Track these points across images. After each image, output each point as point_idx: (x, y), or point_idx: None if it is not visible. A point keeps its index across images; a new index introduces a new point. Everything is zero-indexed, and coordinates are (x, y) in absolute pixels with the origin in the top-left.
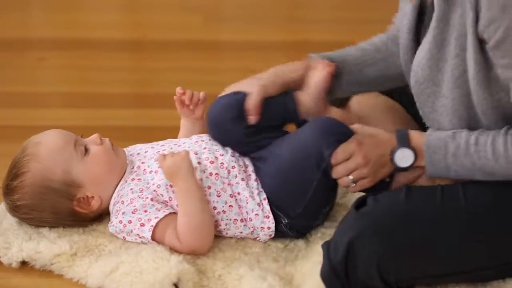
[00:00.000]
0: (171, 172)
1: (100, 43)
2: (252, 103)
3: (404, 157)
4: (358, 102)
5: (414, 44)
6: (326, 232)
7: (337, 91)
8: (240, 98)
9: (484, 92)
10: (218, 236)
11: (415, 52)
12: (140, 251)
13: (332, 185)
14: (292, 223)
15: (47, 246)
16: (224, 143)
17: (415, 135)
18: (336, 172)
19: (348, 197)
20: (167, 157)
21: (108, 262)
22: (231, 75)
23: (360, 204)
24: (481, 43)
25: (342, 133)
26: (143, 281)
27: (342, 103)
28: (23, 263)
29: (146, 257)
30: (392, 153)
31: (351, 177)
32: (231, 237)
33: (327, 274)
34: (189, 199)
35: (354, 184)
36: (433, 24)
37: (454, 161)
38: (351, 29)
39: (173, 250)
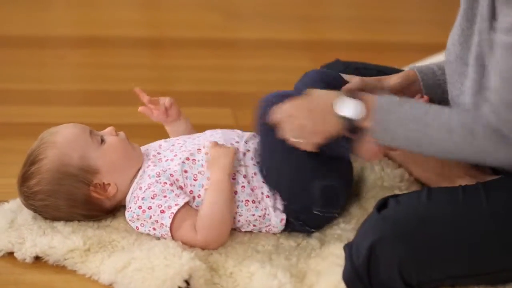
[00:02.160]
0: (213, 161)
1: (118, 41)
2: (347, 87)
3: (345, 106)
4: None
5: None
6: (342, 234)
7: None
8: (336, 77)
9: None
10: (232, 233)
11: None
12: (152, 248)
13: (321, 159)
14: (290, 206)
15: (60, 241)
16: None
17: (369, 96)
18: (281, 131)
19: (368, 201)
20: (218, 145)
21: (121, 258)
22: (250, 73)
23: (381, 206)
24: (493, 14)
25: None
26: (155, 277)
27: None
28: (37, 258)
29: (158, 253)
30: (334, 103)
31: (293, 134)
32: (244, 234)
33: (349, 277)
34: (218, 192)
35: (302, 141)
36: None
37: (406, 115)
38: (369, 27)
39: (185, 241)
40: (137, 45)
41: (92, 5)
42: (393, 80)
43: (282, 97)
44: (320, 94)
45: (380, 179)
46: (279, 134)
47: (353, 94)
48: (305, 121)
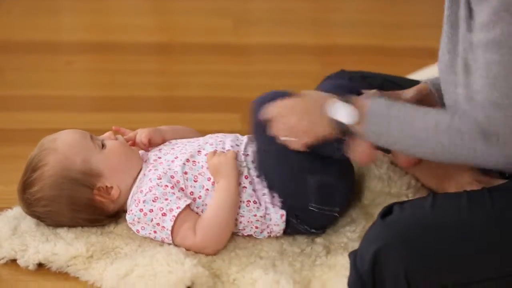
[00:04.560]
0: (216, 169)
1: (128, 46)
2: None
3: (338, 110)
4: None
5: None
6: (348, 243)
7: None
8: (350, 86)
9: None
10: (235, 239)
11: None
12: (155, 254)
13: (316, 157)
14: (286, 203)
15: (63, 248)
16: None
17: (362, 99)
18: (272, 129)
19: (375, 208)
20: (216, 154)
21: (123, 265)
22: (260, 79)
23: (386, 212)
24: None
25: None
26: (157, 284)
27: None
28: (40, 265)
29: (161, 260)
30: (328, 105)
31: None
32: (247, 240)
33: (354, 285)
34: (223, 197)
35: (293, 139)
36: (446, 4)
37: (397, 114)
38: (378, 33)
39: (184, 243)
40: (147, 50)
41: (101, 10)
42: (408, 94)
43: (275, 96)
44: (313, 96)
45: (387, 187)
46: (270, 132)
47: (346, 97)
48: (296, 121)
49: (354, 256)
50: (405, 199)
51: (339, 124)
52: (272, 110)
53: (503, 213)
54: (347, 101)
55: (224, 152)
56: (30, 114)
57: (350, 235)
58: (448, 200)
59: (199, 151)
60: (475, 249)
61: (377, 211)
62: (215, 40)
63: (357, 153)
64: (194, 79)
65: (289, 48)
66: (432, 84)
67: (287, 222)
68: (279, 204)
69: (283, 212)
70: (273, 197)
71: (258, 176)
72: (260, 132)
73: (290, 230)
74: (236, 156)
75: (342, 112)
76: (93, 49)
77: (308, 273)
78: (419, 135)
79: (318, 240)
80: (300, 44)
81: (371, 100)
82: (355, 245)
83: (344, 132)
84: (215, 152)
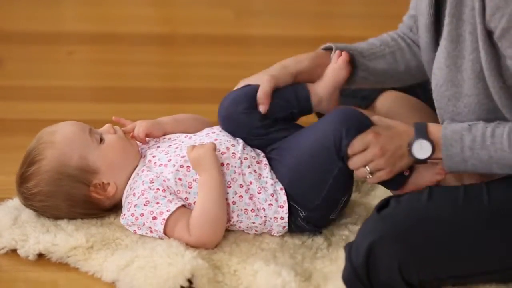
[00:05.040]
0: (196, 163)
1: (130, 37)
2: (262, 92)
3: (422, 149)
4: (384, 103)
5: (434, 44)
6: (350, 236)
7: (347, 82)
8: (250, 89)
9: (499, 82)
10: (236, 231)
11: (435, 53)
12: (155, 246)
13: (350, 174)
14: (310, 215)
15: (63, 238)
16: (236, 136)
17: (433, 128)
18: (352, 163)
19: (375, 201)
20: (195, 148)
21: (123, 256)
22: (261, 70)
23: (382, 205)
24: (489, 34)
25: (361, 123)
26: (157, 276)
27: (367, 104)
28: (40, 256)
29: (161, 252)
30: (410, 144)
31: (368, 168)
32: (248, 233)
33: (349, 277)
34: (208, 191)
35: (371, 176)
36: (446, 20)
37: (471, 154)
38: (381, 24)
39: (181, 242)
40: (148, 41)
41: (103, 1)
42: (301, 65)
43: (249, 92)
44: (396, 132)
45: None
46: (349, 163)
47: (423, 132)
48: (378, 160)
49: (349, 249)
50: None
51: (419, 160)
52: (354, 145)
53: (499, 207)
54: (423, 137)
55: (202, 144)
56: (31, 104)
57: (351, 227)
58: (444, 194)
59: None
60: (470, 243)
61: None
62: (217, 32)
63: (426, 174)
64: (195, 70)
65: (291, 39)
66: (336, 47)
67: (291, 223)
68: (284, 215)
69: (285, 225)
70: (277, 207)
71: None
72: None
73: (293, 228)
74: (215, 147)
75: (423, 150)
76: (95, 40)
77: (309, 265)
78: (497, 156)
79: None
80: (301, 35)
81: (444, 129)
82: None
83: (418, 163)
84: (193, 146)
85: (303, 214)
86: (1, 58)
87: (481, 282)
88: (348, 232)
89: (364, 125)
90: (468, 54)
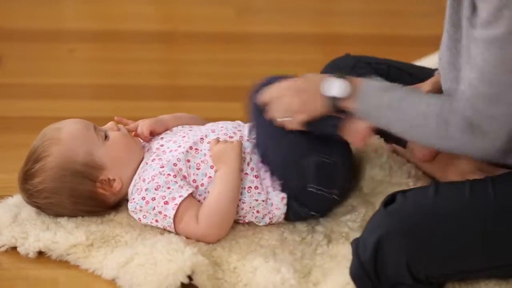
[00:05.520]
0: (219, 156)
1: (130, 35)
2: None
3: (332, 86)
4: None
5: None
6: (350, 233)
7: None
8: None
9: None
10: (235, 227)
11: None
12: (155, 243)
13: (313, 137)
14: (286, 185)
15: (63, 236)
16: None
17: (359, 79)
18: (271, 111)
19: (376, 197)
20: (220, 142)
21: (123, 253)
22: (262, 68)
23: (389, 201)
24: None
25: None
26: (157, 273)
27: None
28: (40, 253)
29: (161, 248)
30: (324, 83)
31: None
32: (248, 228)
33: (356, 273)
34: (225, 185)
35: (289, 118)
36: (448, 2)
37: (388, 101)
38: (382, 21)
39: (186, 232)
40: (149, 39)
41: None
42: (424, 88)
43: (274, 81)
44: (311, 76)
45: (388, 176)
46: (267, 113)
47: (341, 74)
48: (292, 100)
49: (356, 244)
50: (406, 188)
51: (333, 100)
52: (268, 92)
53: (505, 202)
54: (340, 77)
55: (228, 140)
56: (32, 102)
57: (351, 224)
58: (450, 189)
59: (201, 138)
60: (477, 238)
61: (378, 200)
62: (217, 29)
63: (352, 132)
64: (196, 68)
65: (292, 37)
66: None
67: (288, 206)
68: (279, 187)
69: (284, 195)
70: (273, 180)
71: (262, 161)
72: (258, 115)
73: (291, 214)
74: (241, 145)
75: (334, 86)
76: (95, 38)
77: (309, 261)
78: (408, 120)
79: (319, 228)
80: (302, 33)
81: (366, 80)
82: (356, 235)
83: (337, 109)
84: (218, 139)
85: (286, 185)
86: (2, 56)
87: (487, 277)
88: (348, 229)
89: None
90: (463, 39)
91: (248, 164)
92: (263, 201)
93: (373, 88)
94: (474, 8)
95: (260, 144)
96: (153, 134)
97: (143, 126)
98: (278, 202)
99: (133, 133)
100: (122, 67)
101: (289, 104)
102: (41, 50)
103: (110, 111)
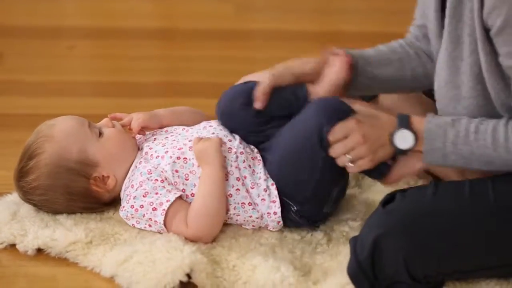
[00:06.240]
0: (200, 155)
1: (130, 31)
2: (260, 90)
3: (403, 139)
4: (387, 96)
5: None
6: (350, 233)
7: (349, 88)
8: (250, 86)
9: (499, 83)
10: (235, 226)
11: None
12: (154, 241)
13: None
14: (302, 209)
15: (62, 233)
16: (233, 131)
17: (417, 119)
18: (334, 150)
19: (375, 196)
20: (201, 140)
21: (122, 251)
22: (262, 65)
23: (388, 200)
24: (488, 33)
25: (342, 111)
26: (156, 270)
27: (371, 98)
28: (39, 251)
29: (160, 247)
30: (392, 134)
31: (349, 156)
32: (246, 228)
33: (354, 271)
34: (209, 185)
35: (352, 164)
36: (446, 21)
37: (452, 149)
38: (384, 19)
39: (178, 234)
40: (149, 36)
41: None
42: (307, 66)
43: (244, 86)
44: (379, 121)
45: None
46: (330, 150)
47: (406, 123)
48: (360, 149)
49: (354, 243)
50: (406, 187)
51: (402, 151)
52: (334, 132)
53: (505, 202)
54: (408, 127)
55: (209, 138)
56: (31, 99)
57: (351, 223)
58: (450, 189)
59: (191, 147)
60: (475, 238)
61: (377, 199)
62: (217, 26)
63: (403, 168)
64: (195, 65)
65: (292, 34)
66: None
67: (286, 217)
68: (277, 210)
69: (280, 220)
70: (270, 202)
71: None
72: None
73: (289, 223)
74: (220, 142)
75: (407, 140)
76: (95, 35)
77: (308, 260)
78: (479, 152)
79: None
80: (303, 30)
81: (426, 120)
82: (356, 234)
83: (400, 153)
84: (199, 138)
85: (295, 208)
86: (1, 53)
87: (485, 277)
88: (348, 228)
89: (345, 112)
90: (467, 56)
91: (238, 179)
92: (258, 218)
93: (436, 129)
94: (486, 33)
95: (274, 172)
96: (146, 130)
97: (136, 122)
98: (273, 224)
99: (128, 127)
100: (121, 64)
101: (356, 152)
102: (41, 47)
103: (109, 108)
